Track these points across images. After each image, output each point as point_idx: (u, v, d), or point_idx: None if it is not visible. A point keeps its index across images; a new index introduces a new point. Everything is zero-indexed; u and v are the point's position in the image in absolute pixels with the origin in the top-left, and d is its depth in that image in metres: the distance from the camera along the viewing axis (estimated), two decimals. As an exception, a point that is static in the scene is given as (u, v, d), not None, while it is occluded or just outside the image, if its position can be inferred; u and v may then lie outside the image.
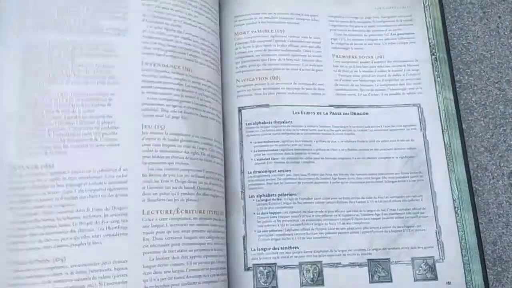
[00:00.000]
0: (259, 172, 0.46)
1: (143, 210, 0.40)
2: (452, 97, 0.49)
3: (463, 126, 0.50)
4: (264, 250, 0.44)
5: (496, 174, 0.49)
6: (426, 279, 0.44)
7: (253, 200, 0.45)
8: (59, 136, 0.40)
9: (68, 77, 0.41)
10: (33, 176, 0.39)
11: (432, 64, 0.50)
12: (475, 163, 0.50)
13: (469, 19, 0.55)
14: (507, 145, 0.50)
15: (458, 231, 0.45)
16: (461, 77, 0.52)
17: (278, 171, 0.46)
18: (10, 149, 0.39)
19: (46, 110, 0.40)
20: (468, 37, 0.54)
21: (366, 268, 0.44)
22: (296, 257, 0.44)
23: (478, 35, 0.54)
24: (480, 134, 0.51)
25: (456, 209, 0.46)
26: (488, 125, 0.51)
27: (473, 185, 0.49)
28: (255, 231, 0.45)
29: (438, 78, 0.49)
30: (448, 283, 0.44)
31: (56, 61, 0.41)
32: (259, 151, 0.46)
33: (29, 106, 0.40)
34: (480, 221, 0.48)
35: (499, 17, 0.55)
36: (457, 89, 0.51)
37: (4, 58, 0.41)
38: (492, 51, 0.53)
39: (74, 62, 0.42)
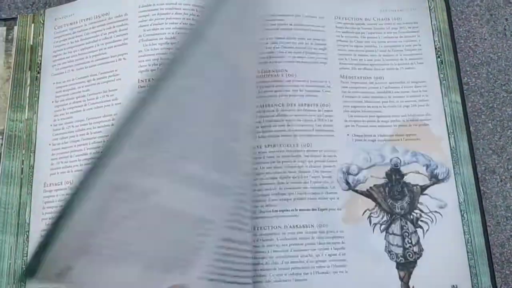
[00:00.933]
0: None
1: None
2: (459, 100, 0.50)
3: (471, 128, 0.51)
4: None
5: (504, 177, 0.50)
6: (432, 282, 0.44)
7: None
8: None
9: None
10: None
11: (438, 67, 0.50)
12: (483, 166, 0.50)
13: (476, 22, 0.55)
14: (515, 147, 0.51)
15: (464, 234, 0.45)
16: (469, 80, 0.53)
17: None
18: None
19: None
20: (475, 40, 0.55)
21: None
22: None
23: (485, 37, 0.55)
24: (488, 137, 0.51)
25: (462, 212, 0.46)
26: (496, 127, 0.51)
27: (481, 187, 0.49)
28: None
29: (444, 81, 0.50)
30: (454, 287, 0.44)
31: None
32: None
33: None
34: (488, 223, 0.48)
35: (506, 19, 0.55)
36: (465, 91, 0.52)
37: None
38: (499, 54, 0.54)
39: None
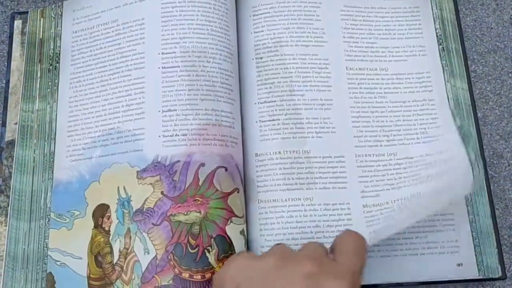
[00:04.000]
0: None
1: None
2: (466, 86, 0.53)
3: (479, 114, 0.54)
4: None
5: (511, 161, 0.53)
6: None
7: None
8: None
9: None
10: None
11: (440, 54, 0.54)
12: (491, 151, 0.54)
13: (483, 11, 0.59)
14: (522, 132, 0.54)
15: (469, 214, 0.50)
16: (476, 67, 0.57)
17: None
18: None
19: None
20: (482, 29, 0.59)
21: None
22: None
23: (492, 26, 0.59)
24: (496, 123, 0.55)
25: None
26: (503, 113, 0.55)
27: (489, 172, 0.53)
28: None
29: (446, 67, 0.54)
30: (459, 265, 0.47)
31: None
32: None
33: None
34: (496, 207, 0.52)
35: (512, 8, 0.59)
36: (472, 78, 0.56)
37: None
38: (506, 42, 0.58)
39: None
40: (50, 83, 0.55)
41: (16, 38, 0.57)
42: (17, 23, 0.58)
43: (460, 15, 0.58)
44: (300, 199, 0.49)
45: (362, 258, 0.39)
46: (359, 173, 0.51)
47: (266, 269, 0.37)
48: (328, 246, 0.41)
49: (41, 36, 0.57)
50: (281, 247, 0.41)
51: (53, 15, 0.57)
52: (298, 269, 0.36)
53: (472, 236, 0.50)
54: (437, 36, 0.56)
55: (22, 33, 0.57)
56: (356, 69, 0.54)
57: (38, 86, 0.55)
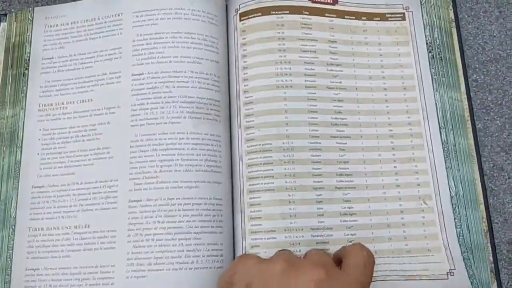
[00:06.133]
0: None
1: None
2: (459, 97, 0.54)
3: (479, 125, 0.54)
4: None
5: (512, 174, 0.53)
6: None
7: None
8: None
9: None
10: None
11: (429, 62, 0.54)
12: (491, 163, 0.54)
13: (485, 19, 0.59)
14: (524, 144, 0.54)
15: (456, 227, 0.51)
16: (477, 77, 0.57)
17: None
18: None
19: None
20: (484, 37, 0.59)
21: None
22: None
23: (494, 34, 0.59)
24: (496, 134, 0.55)
25: (454, 205, 0.50)
26: (504, 124, 0.55)
27: (489, 184, 0.53)
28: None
29: (435, 76, 0.54)
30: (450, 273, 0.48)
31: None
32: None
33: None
34: (495, 221, 0.51)
35: (515, 15, 0.59)
36: (473, 88, 0.56)
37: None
38: (508, 51, 0.58)
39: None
40: (19, 89, 0.56)
41: (2, 41, 0.58)
42: (3, 25, 0.59)
43: (462, 23, 0.58)
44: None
45: (370, 274, 0.42)
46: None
47: (276, 273, 0.39)
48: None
49: (13, 40, 0.58)
50: (287, 252, 0.43)
51: (29, 18, 0.57)
52: (308, 276, 0.38)
53: (461, 250, 0.49)
54: (426, 43, 0.57)
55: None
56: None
57: (8, 92, 0.56)
